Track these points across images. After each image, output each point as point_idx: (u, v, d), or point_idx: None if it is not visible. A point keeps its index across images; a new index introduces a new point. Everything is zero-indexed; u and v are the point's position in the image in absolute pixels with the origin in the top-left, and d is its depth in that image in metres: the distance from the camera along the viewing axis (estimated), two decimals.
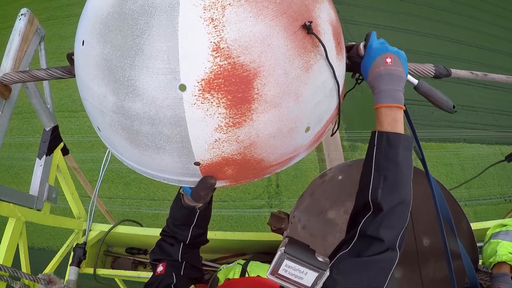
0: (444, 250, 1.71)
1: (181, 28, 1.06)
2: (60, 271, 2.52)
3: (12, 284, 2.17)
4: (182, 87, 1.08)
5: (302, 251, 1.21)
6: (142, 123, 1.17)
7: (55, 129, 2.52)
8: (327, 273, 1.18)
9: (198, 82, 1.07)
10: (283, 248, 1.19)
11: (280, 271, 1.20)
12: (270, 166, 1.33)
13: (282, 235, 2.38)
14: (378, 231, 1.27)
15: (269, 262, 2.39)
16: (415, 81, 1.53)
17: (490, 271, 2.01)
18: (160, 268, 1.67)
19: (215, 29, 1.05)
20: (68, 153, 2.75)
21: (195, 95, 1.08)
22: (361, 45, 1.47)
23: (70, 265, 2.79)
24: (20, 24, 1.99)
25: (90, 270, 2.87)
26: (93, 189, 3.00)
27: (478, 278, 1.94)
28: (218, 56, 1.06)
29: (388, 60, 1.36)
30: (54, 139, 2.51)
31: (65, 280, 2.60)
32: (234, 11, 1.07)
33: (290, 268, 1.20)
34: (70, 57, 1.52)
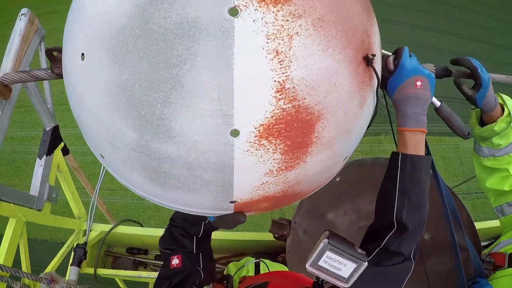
0: (451, 242, 1.69)
1: (238, 61, 0.80)
2: (61, 271, 2.52)
3: (12, 285, 2.16)
4: (235, 133, 0.85)
5: (343, 242, 1.20)
6: (175, 166, 0.94)
7: (56, 129, 2.40)
8: (366, 264, 1.18)
9: (255, 128, 0.86)
10: (326, 240, 1.17)
11: (320, 262, 1.18)
12: (303, 195, 1.22)
13: (285, 242, 2.32)
14: (401, 247, 1.31)
15: (276, 261, 2.39)
16: (438, 104, 1.49)
17: (492, 260, 1.99)
18: (175, 261, 1.56)
19: (281, 65, 0.83)
20: (68, 153, 2.61)
21: (250, 142, 0.87)
22: (391, 59, 1.37)
23: (70, 265, 2.69)
24: (20, 24, 1.91)
25: (91, 270, 2.77)
26: (93, 189, 2.92)
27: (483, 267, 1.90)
28: (282, 98, 0.84)
29: (418, 83, 1.32)
30: (54, 139, 2.39)
31: (65, 280, 2.59)
32: (302, 43, 0.85)
33: (330, 260, 1.18)
34: (51, 53, 1.28)
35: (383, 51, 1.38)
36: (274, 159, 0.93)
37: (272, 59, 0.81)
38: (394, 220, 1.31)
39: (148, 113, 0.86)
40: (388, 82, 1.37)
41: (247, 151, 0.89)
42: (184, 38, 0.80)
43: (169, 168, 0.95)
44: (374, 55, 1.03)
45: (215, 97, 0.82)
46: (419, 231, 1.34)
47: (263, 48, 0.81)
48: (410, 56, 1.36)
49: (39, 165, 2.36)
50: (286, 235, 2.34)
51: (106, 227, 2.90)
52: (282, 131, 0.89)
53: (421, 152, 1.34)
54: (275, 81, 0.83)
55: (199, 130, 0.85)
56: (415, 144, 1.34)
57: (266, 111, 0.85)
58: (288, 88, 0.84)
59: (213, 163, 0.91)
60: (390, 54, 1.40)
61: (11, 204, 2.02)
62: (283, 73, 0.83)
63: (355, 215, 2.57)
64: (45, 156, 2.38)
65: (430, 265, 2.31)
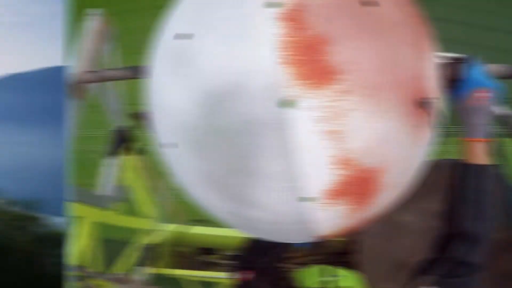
0: None
1: (297, 147, 0.91)
2: (130, 271, 2.54)
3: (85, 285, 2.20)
4: (305, 199, 0.98)
5: None
6: (264, 223, 1.11)
7: (125, 129, 2.49)
8: None
9: (322, 193, 0.98)
10: None
11: None
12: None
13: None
14: (472, 258, 1.39)
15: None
16: (502, 113, 1.61)
17: None
18: (248, 275, 1.66)
19: (336, 141, 0.93)
20: (138, 152, 2.74)
21: (320, 203, 1.00)
22: (460, 68, 1.39)
23: (139, 265, 2.81)
24: (92, 24, 2.00)
25: (160, 270, 2.88)
26: (163, 188, 2.98)
27: None
28: (343, 168, 0.95)
29: (484, 95, 1.37)
30: (124, 139, 2.50)
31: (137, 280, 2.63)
32: (354, 116, 0.93)
33: None
34: (135, 115, 1.46)
35: (452, 55, 1.44)
36: (345, 209, 1.04)
37: (328, 139, 0.92)
38: (465, 231, 1.40)
39: (232, 194, 1.05)
40: (454, 91, 1.42)
41: (319, 209, 1.01)
42: (248, 134, 0.93)
43: (258, 224, 1.12)
44: (427, 99, 1.07)
45: (283, 178, 0.95)
46: (488, 239, 1.41)
47: (319, 132, 0.91)
48: (477, 66, 1.40)
49: (108, 164, 2.40)
50: None
51: (175, 227, 2.91)
52: (347, 191, 1.00)
53: (487, 161, 1.41)
54: (333, 156, 0.93)
55: (277, 201, 1.00)
56: (482, 154, 1.40)
57: (329, 180, 0.96)
58: (347, 159, 0.95)
59: (294, 220, 1.05)
60: (460, 57, 1.44)
61: (84, 204, 2.05)
62: (339, 148, 0.93)
63: (424, 217, 2.44)
64: (114, 155, 2.41)
65: (502, 265, 2.17)
